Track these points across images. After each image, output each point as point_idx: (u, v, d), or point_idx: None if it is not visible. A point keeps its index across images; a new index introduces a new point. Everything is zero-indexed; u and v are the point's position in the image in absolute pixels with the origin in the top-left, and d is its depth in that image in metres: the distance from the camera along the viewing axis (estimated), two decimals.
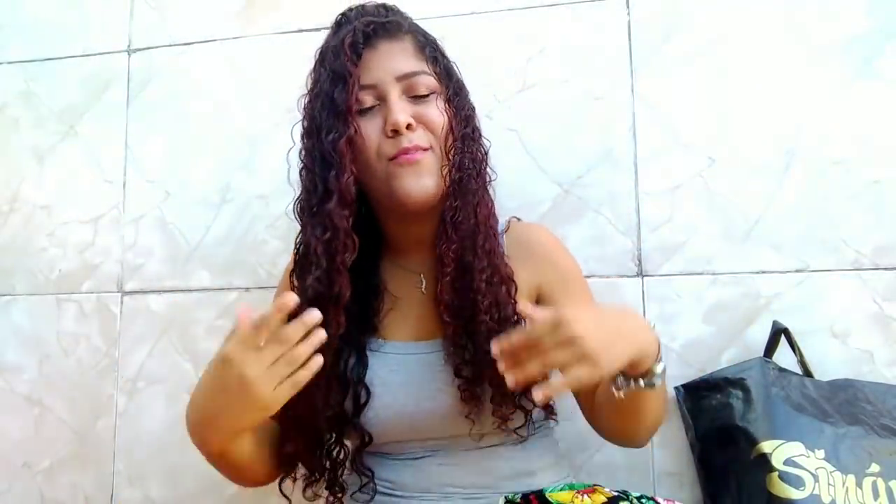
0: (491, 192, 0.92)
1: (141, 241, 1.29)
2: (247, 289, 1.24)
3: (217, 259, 1.26)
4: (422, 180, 0.84)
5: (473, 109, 0.93)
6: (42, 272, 1.33)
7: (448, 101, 0.88)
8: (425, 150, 0.85)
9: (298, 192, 0.88)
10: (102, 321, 1.29)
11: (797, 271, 1.07)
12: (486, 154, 0.91)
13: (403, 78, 0.86)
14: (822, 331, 1.05)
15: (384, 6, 0.94)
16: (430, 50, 0.90)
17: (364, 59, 0.86)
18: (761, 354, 1.02)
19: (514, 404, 0.84)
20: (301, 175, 0.88)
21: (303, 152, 0.88)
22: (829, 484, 0.90)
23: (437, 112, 0.86)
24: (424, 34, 0.92)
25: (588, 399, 0.91)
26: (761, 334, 1.05)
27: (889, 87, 1.08)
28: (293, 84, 0.95)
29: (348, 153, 0.82)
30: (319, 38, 0.93)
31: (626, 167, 1.14)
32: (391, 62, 0.86)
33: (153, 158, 1.31)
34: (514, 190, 1.12)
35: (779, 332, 1.03)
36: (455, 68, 0.94)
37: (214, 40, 1.31)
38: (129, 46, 1.35)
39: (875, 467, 0.91)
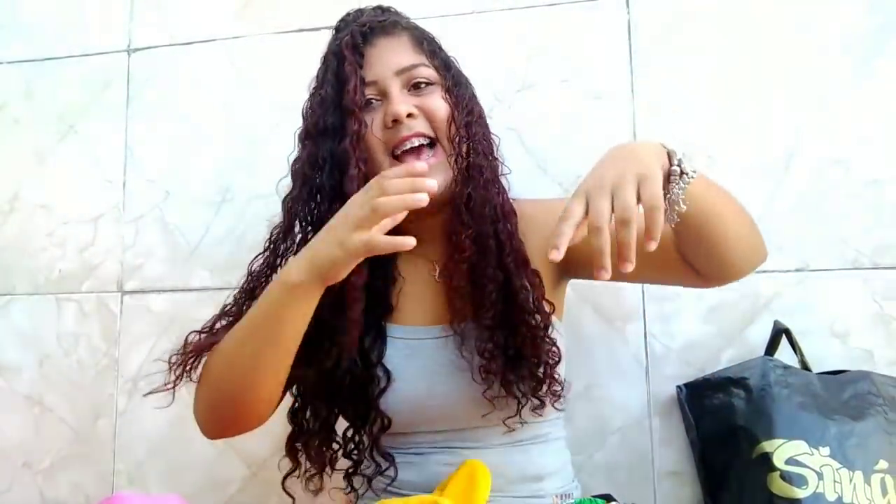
0: (504, 182, 0.92)
1: (141, 241, 1.29)
2: None
3: (217, 259, 1.26)
4: (433, 178, 0.83)
5: (476, 100, 0.94)
6: (42, 272, 1.32)
7: (448, 91, 0.89)
8: (428, 137, 0.86)
9: (292, 192, 0.88)
10: (102, 321, 1.28)
11: (797, 271, 1.07)
12: (493, 143, 0.93)
13: (403, 71, 0.87)
14: (823, 330, 1.05)
15: (381, 8, 0.96)
16: (428, 44, 0.92)
17: (364, 58, 0.88)
18: (761, 354, 1.02)
19: (536, 377, 0.84)
20: (299, 177, 0.88)
21: (304, 154, 0.88)
22: (834, 481, 0.89)
23: (439, 102, 0.87)
24: (421, 30, 0.94)
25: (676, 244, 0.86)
26: (761, 334, 1.05)
27: (889, 87, 1.08)
28: (293, 84, 0.96)
29: (356, 153, 0.84)
30: (319, 38, 0.94)
31: None
32: (390, 57, 0.88)
33: (153, 158, 1.31)
34: (514, 189, 1.12)
35: (780, 333, 1.02)
36: (454, 62, 0.95)
37: (214, 40, 1.31)
38: (129, 46, 1.35)
39: (883, 464, 0.91)
